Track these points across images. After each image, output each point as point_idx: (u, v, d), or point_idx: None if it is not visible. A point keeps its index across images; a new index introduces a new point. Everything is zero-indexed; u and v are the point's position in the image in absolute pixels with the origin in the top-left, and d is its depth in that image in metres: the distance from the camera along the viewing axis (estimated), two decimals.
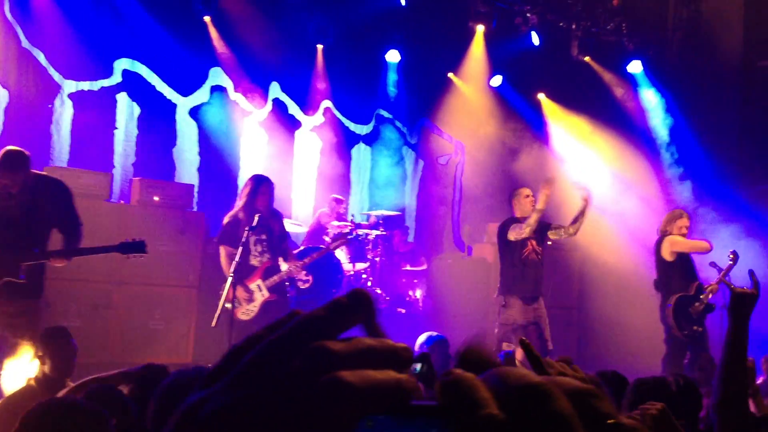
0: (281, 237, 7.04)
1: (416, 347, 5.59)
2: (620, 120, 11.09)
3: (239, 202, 6.89)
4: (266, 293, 6.79)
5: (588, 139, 11.24)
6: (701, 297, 7.62)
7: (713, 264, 8.23)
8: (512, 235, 7.55)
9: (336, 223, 9.14)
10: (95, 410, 2.38)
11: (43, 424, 2.29)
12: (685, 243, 7.77)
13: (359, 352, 0.47)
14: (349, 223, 9.15)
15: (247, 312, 6.75)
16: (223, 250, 6.81)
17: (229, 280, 6.35)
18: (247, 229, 6.45)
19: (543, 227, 7.67)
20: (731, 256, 7.82)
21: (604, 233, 10.00)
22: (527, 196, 7.76)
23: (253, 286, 6.79)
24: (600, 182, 10.82)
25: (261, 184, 6.83)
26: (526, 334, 7.47)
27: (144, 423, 2.59)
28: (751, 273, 3.35)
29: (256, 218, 6.49)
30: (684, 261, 7.76)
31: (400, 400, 0.47)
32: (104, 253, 5.57)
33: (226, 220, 6.88)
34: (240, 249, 6.38)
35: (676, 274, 7.71)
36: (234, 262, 6.38)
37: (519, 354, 6.20)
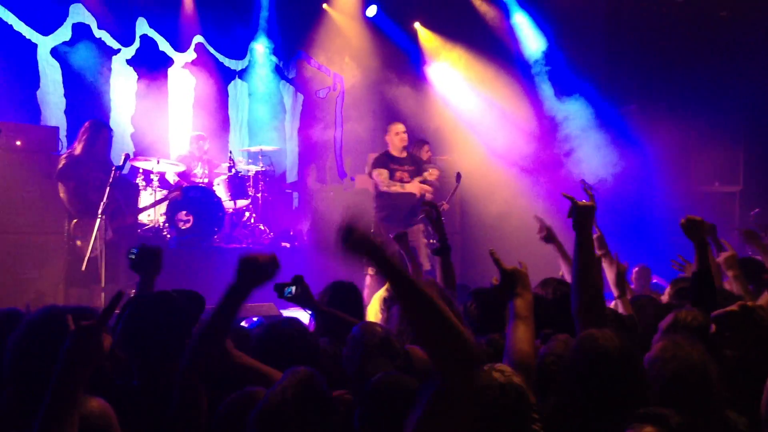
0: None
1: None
2: (495, 47, 11.21)
3: (78, 145, 6.95)
4: (110, 233, 6.75)
5: (464, 67, 11.33)
6: None
7: (582, 181, 8.58)
8: (374, 175, 7.66)
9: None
10: None
11: None
12: None
13: None
14: (227, 161, 9.05)
15: (94, 250, 6.64)
16: (62, 186, 6.86)
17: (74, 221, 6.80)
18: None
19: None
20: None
21: (482, 161, 10.22)
22: (397, 132, 7.79)
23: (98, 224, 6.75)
24: (477, 110, 11.01)
25: (101, 129, 7.09)
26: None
27: None
28: (586, 186, 3.52)
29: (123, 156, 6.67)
30: None
31: None
32: None
33: (64, 159, 6.89)
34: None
35: None
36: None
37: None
